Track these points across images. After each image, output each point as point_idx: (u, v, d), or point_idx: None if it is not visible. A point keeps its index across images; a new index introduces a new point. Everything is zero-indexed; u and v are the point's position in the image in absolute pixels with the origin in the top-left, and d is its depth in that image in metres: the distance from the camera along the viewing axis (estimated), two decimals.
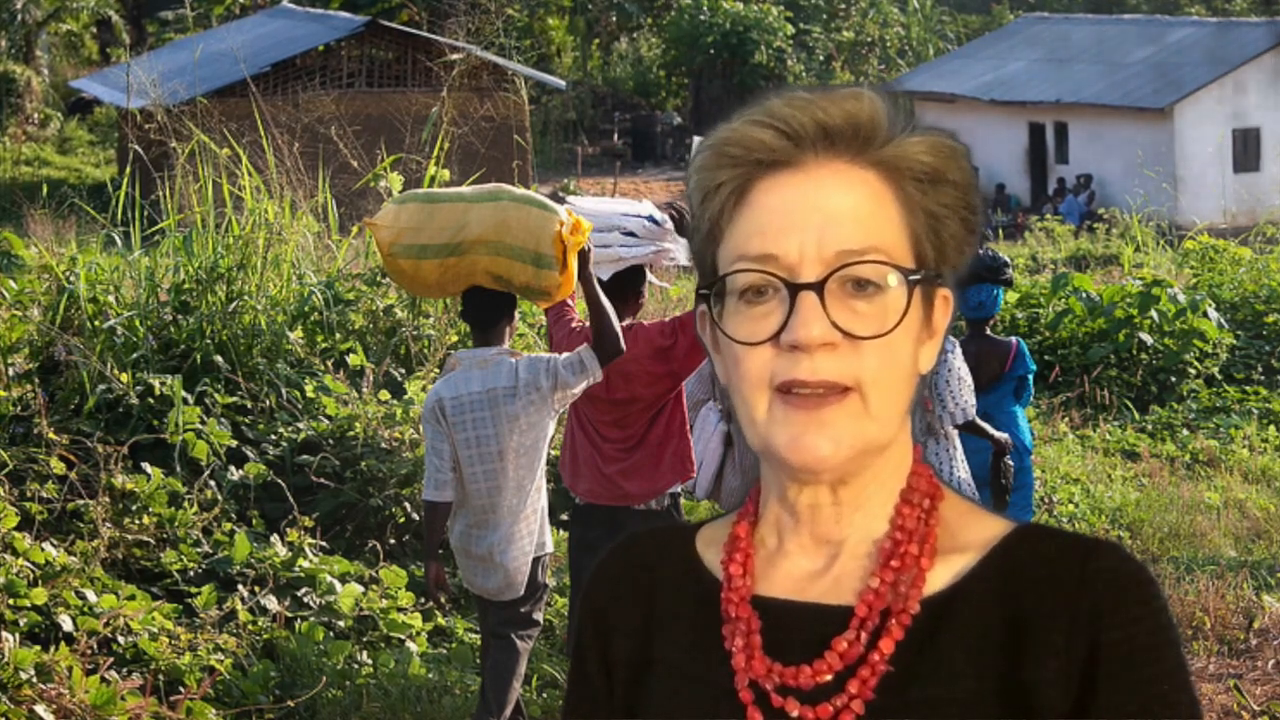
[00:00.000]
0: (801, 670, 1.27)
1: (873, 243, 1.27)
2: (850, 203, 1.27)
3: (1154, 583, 1.26)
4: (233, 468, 6.74)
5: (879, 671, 1.26)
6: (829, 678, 1.27)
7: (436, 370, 7.56)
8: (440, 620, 6.25)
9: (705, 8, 34.74)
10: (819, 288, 1.25)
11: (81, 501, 6.12)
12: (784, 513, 1.34)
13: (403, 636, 6.03)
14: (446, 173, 8.40)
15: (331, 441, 7.03)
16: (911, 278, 1.27)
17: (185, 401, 6.78)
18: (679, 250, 5.25)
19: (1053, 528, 1.32)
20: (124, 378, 6.86)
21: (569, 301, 5.35)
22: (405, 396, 7.32)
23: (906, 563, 1.29)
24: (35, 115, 30.35)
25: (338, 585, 6.11)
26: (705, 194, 1.31)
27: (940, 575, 1.29)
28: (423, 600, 6.19)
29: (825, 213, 1.27)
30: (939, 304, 1.33)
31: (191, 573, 6.10)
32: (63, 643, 5.27)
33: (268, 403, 7.24)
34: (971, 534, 1.31)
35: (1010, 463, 5.84)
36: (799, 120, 1.28)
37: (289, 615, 5.89)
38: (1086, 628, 1.23)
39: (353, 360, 7.59)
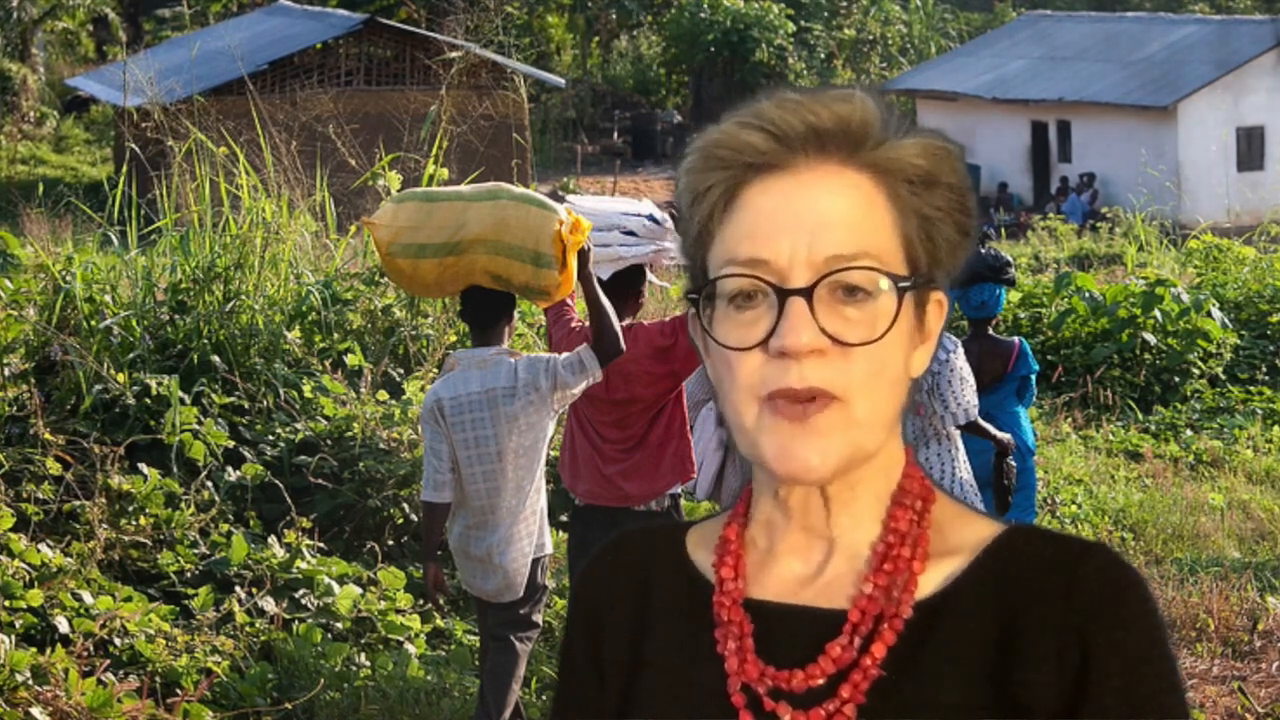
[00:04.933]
0: (794, 674, 1.27)
1: (864, 247, 1.25)
2: (841, 206, 1.26)
3: (1144, 584, 1.26)
4: (230, 468, 6.70)
5: (871, 676, 1.26)
6: (821, 682, 1.27)
7: (435, 370, 7.52)
8: (439, 622, 6.22)
9: (706, 5, 34.70)
10: (808, 293, 1.24)
11: (78, 502, 6.08)
12: (775, 511, 1.33)
13: (401, 638, 5.99)
14: (445, 171, 8.36)
15: (329, 442, 7.00)
16: (901, 284, 1.26)
17: (182, 402, 6.74)
18: (679, 249, 5.21)
19: (1043, 529, 1.32)
20: (120, 378, 6.82)
21: (568, 301, 5.31)
22: (404, 397, 7.28)
23: (899, 566, 1.28)
24: (31, 113, 30.32)
25: (336, 587, 6.07)
26: (695, 197, 1.31)
27: (932, 579, 1.29)
28: (421, 602, 6.15)
29: (816, 216, 1.25)
30: (932, 308, 1.32)
31: (188, 574, 6.07)
32: (59, 645, 5.24)
33: (265, 403, 7.21)
34: (962, 536, 1.31)
35: (1013, 463, 5.80)
36: (789, 122, 1.27)
37: (286, 617, 5.85)
38: (1077, 630, 1.23)
39: (351, 360, 7.55)
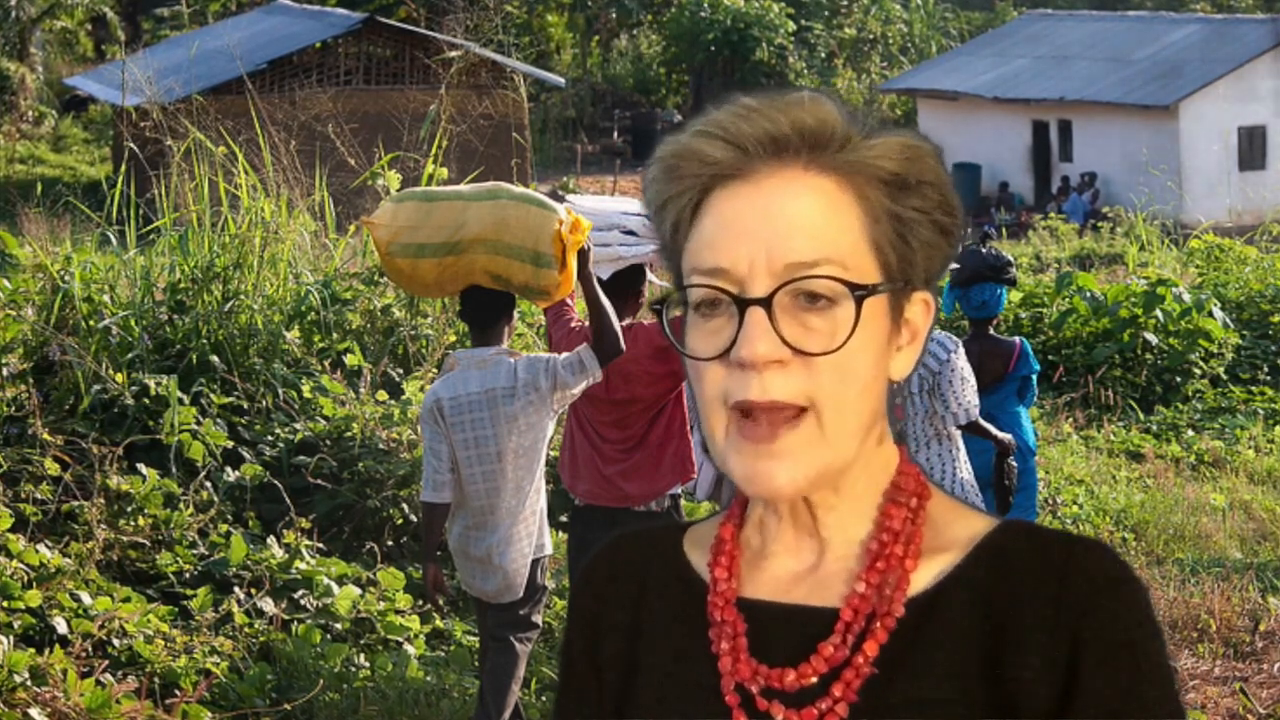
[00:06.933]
0: (787, 673, 1.27)
1: (825, 254, 1.23)
2: (802, 212, 1.24)
3: (1137, 580, 1.25)
4: (229, 469, 6.69)
5: (863, 674, 1.26)
6: (814, 680, 1.27)
7: (434, 370, 7.51)
8: (438, 623, 6.20)
9: (706, 4, 34.69)
10: (766, 303, 1.22)
11: (76, 503, 6.07)
12: (767, 513, 1.33)
13: (400, 639, 5.98)
14: (445, 171, 8.34)
15: (329, 442, 6.98)
16: (858, 293, 1.23)
17: (181, 402, 6.72)
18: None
19: (1035, 525, 1.31)
20: (119, 378, 6.81)
21: (568, 301, 5.30)
22: (403, 397, 7.27)
23: (892, 564, 1.28)
24: (30, 113, 30.32)
25: (335, 587, 6.06)
26: (659, 208, 1.31)
27: (924, 575, 1.28)
28: (421, 602, 6.14)
29: (775, 224, 1.24)
30: (917, 308, 1.30)
31: (187, 575, 6.05)
32: (57, 645, 5.23)
33: (264, 403, 7.19)
34: (955, 532, 1.30)
35: (1013, 464, 5.78)
36: (745, 130, 1.26)
37: (285, 617, 5.84)
38: (1069, 626, 1.23)
39: (350, 360, 7.54)
